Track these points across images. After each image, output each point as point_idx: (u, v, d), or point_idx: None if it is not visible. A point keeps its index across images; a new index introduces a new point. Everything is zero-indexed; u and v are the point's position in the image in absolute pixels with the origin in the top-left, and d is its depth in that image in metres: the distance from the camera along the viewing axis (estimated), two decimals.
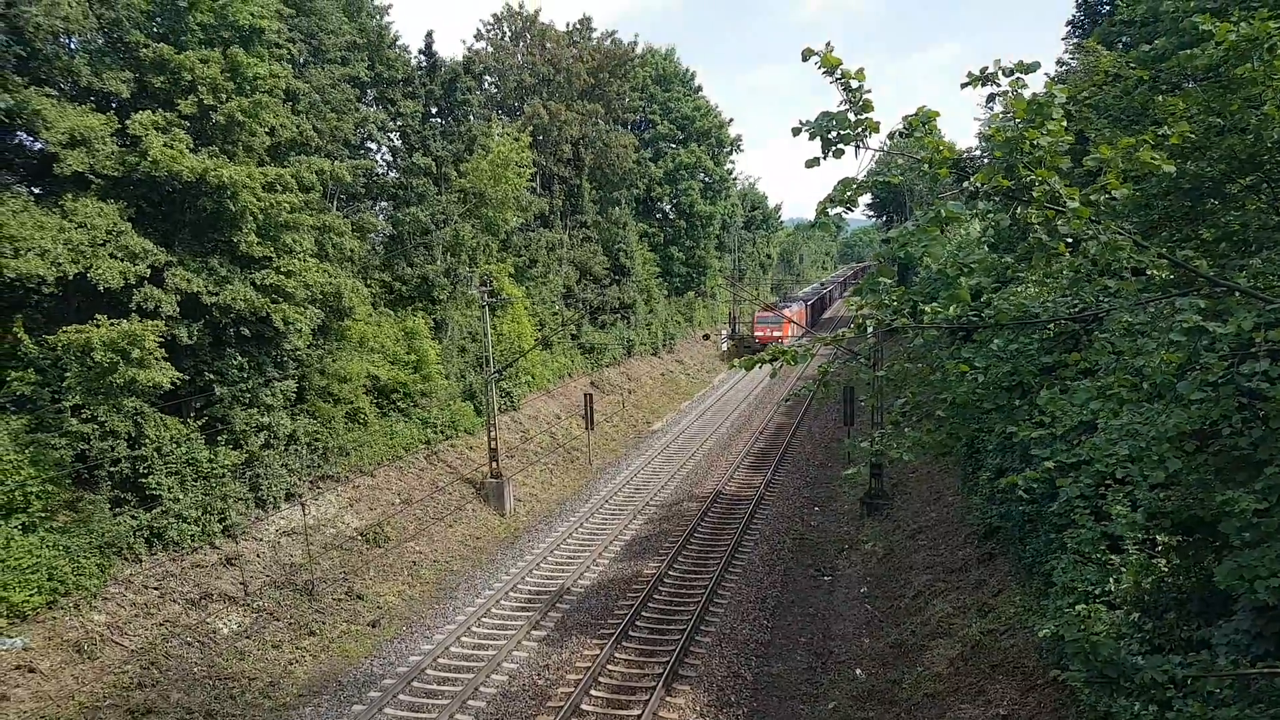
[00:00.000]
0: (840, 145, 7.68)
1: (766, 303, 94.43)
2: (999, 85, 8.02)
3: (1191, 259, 8.98)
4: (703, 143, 72.43)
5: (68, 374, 20.41)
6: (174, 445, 23.22)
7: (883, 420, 31.77)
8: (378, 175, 38.10)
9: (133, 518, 22.03)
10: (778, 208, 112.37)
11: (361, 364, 32.14)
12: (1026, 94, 7.96)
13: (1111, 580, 12.01)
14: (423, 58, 40.96)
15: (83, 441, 20.98)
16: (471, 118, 43.06)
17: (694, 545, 29.89)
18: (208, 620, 22.16)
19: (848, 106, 7.64)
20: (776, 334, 78.22)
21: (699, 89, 74.39)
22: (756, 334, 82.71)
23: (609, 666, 21.19)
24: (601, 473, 41.78)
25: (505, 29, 56.14)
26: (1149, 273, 9.16)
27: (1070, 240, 7.98)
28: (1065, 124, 7.85)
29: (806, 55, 7.58)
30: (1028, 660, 16.05)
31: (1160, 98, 11.58)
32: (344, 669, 22.04)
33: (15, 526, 19.27)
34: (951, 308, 9.15)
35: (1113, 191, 7.79)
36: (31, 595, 18.97)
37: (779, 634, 23.14)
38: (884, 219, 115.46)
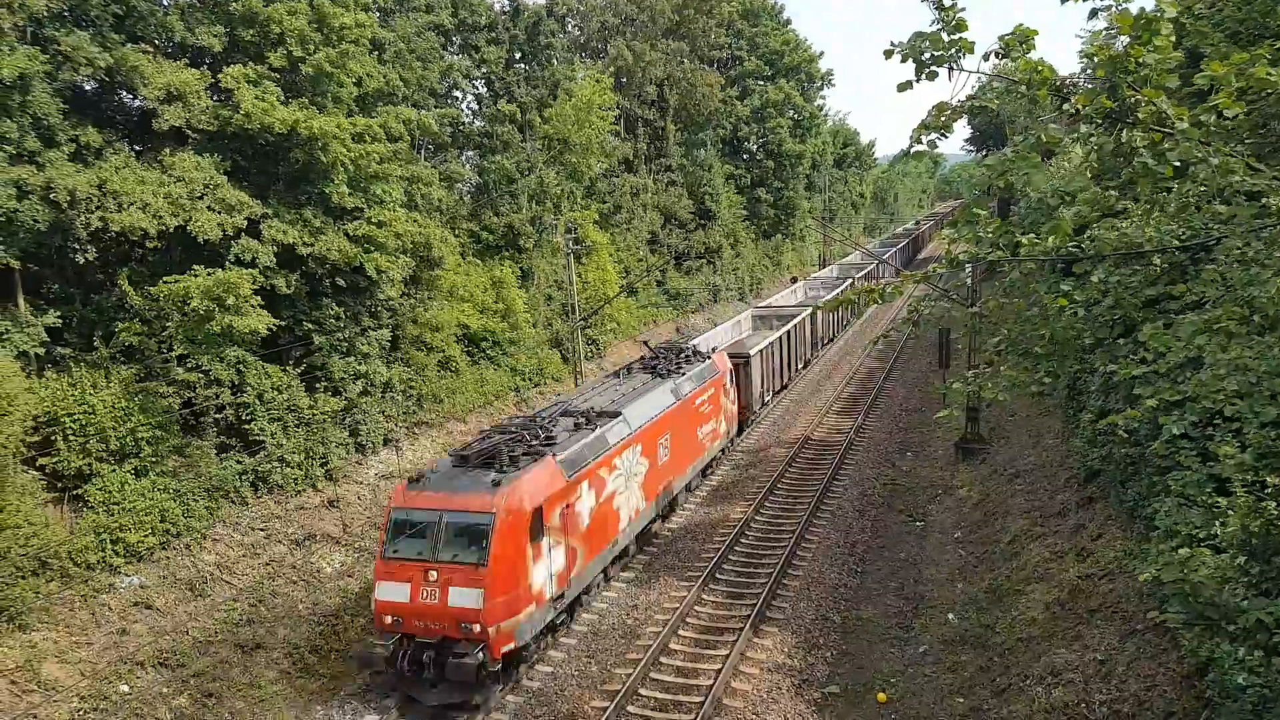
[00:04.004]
0: (934, 67, 7.33)
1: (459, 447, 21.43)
2: None
3: None
4: (792, 78, 70.42)
5: (169, 324, 21.34)
6: (275, 392, 24.12)
7: (977, 361, 30.87)
8: (463, 124, 38.34)
9: (238, 462, 23.07)
10: (871, 144, 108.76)
11: (452, 313, 32.74)
12: (1133, 8, 7.41)
13: (1217, 524, 11.45)
14: (506, 2, 40.79)
15: (188, 389, 21.99)
16: (555, 62, 42.83)
17: (781, 490, 29.74)
18: (311, 559, 23.16)
19: (940, 26, 7.29)
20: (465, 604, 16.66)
21: (788, 22, 72.26)
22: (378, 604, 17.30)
23: (696, 608, 21.38)
24: None
25: None
26: (1264, 200, 8.52)
27: (1178, 165, 7.45)
28: (1175, 41, 7.28)
29: None
30: (1127, 605, 15.51)
31: None
32: None
33: (128, 471, 20.40)
34: (1050, 239, 8.69)
35: (1225, 111, 7.21)
36: (146, 536, 20.11)
37: (869, 579, 22.93)
38: (983, 152, 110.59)
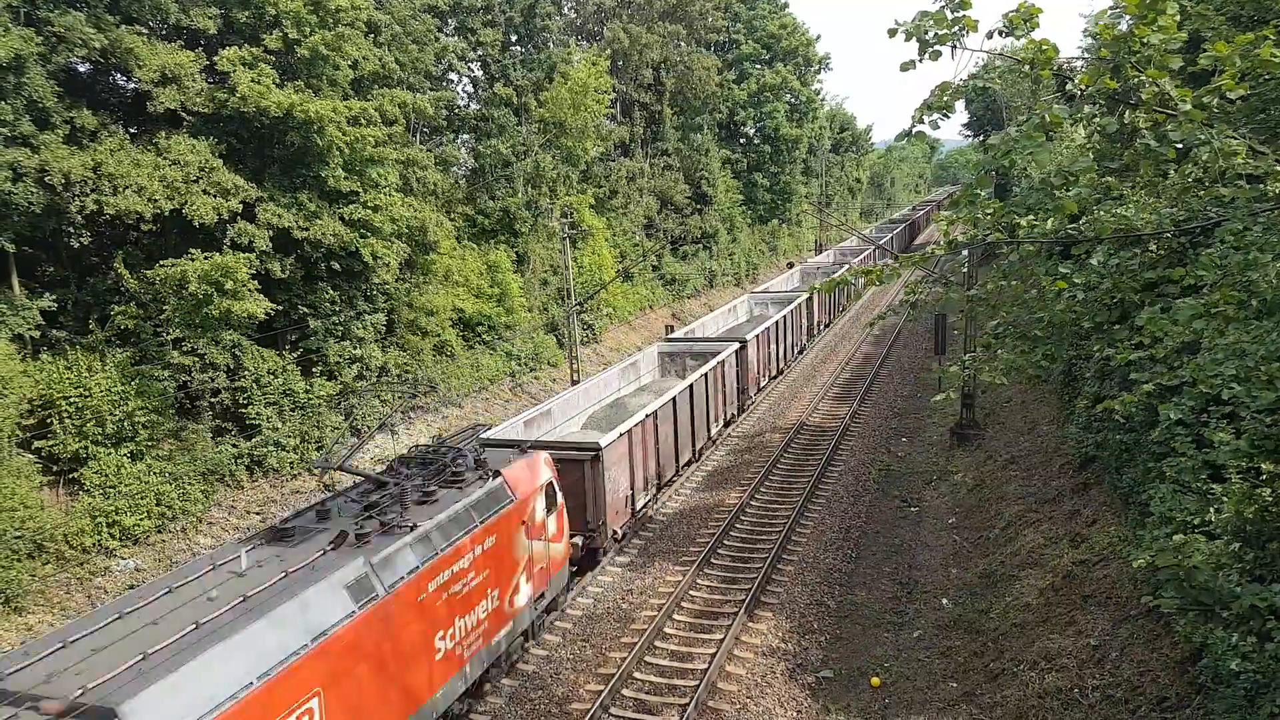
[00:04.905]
0: (937, 46, 7.30)
1: None
2: None
3: None
4: (789, 62, 70.20)
5: (166, 307, 21.30)
6: (271, 377, 24.11)
7: (974, 347, 30.85)
8: (459, 107, 38.18)
9: (234, 446, 23.07)
10: (868, 129, 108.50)
11: (447, 297, 32.68)
12: None
13: (1211, 510, 11.48)
14: None
15: (184, 373, 21.98)
16: (551, 44, 42.62)
17: (777, 476, 29.79)
18: None
19: (944, 4, 7.27)
20: None
21: (785, 5, 71.97)
22: None
23: (691, 592, 21.43)
24: None
25: None
26: (1264, 184, 8.50)
27: (1180, 147, 7.43)
28: (1179, 21, 7.26)
29: None
30: (1121, 591, 15.59)
31: None
32: None
33: (124, 454, 20.39)
34: (1050, 221, 8.65)
35: (1228, 93, 7.18)
36: (141, 519, 20.16)
37: (863, 564, 22.99)
38: (981, 138, 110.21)
